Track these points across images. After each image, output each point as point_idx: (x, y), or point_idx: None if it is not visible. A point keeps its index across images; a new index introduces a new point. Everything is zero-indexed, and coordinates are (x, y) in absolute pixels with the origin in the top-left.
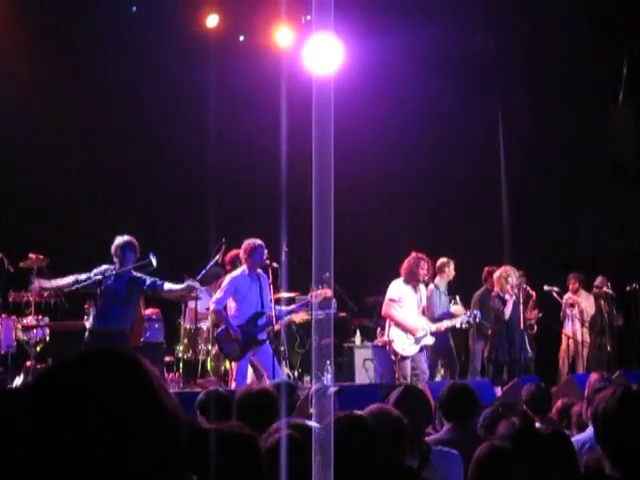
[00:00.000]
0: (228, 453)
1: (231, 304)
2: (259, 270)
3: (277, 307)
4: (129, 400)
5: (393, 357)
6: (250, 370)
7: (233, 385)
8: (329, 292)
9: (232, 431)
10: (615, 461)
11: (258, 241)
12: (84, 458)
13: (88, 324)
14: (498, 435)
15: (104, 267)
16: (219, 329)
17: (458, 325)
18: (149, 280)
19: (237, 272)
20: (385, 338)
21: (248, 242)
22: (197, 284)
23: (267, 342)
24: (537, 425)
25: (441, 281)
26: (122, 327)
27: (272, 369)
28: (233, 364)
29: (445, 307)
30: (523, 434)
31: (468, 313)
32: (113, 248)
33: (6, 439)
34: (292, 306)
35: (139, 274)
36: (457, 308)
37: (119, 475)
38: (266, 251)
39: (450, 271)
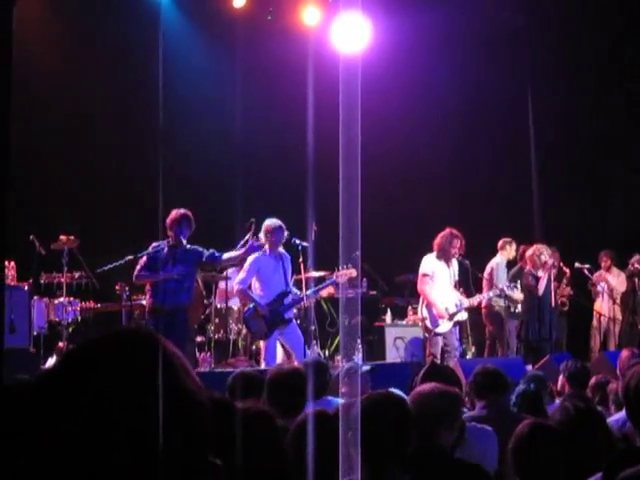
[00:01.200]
0: (244, 431)
1: (256, 284)
2: (281, 250)
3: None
4: (148, 381)
5: (426, 334)
6: (280, 350)
7: (263, 364)
8: (354, 272)
9: (249, 410)
10: None
11: (278, 222)
12: (103, 439)
13: (145, 302)
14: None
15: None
16: (246, 309)
17: (487, 298)
18: (207, 252)
19: (258, 253)
20: (419, 315)
21: (268, 223)
22: (257, 242)
23: (294, 321)
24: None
25: (502, 258)
26: (179, 304)
27: (302, 349)
28: (262, 343)
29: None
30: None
31: (506, 285)
32: (168, 221)
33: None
34: (317, 287)
35: (194, 246)
36: (518, 295)
37: (139, 457)
38: (286, 232)
39: (511, 251)
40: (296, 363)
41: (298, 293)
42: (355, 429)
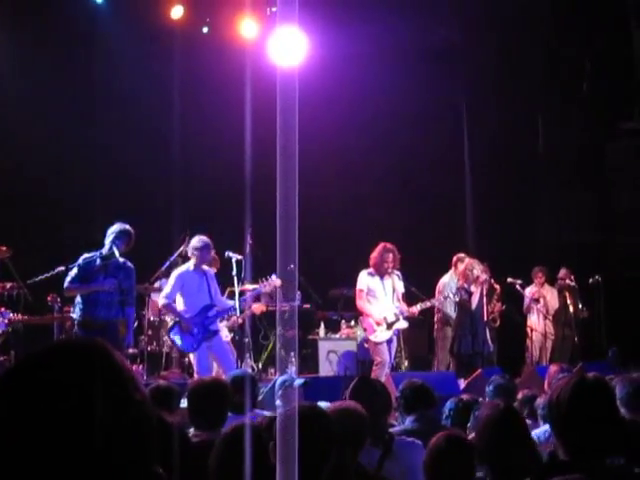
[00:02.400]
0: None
1: (180, 299)
2: (204, 267)
3: (231, 300)
4: (97, 392)
5: (366, 345)
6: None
7: (195, 377)
8: (279, 282)
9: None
10: (568, 450)
11: (206, 240)
12: (50, 450)
13: (75, 315)
14: (480, 417)
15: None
16: (170, 326)
17: (425, 307)
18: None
19: (182, 268)
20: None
21: (199, 239)
22: None
23: (220, 334)
24: None
25: (453, 276)
26: (111, 318)
27: (229, 361)
28: (192, 356)
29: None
30: (507, 415)
31: (446, 293)
32: (109, 232)
33: None
34: (243, 297)
35: (129, 264)
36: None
37: (85, 466)
38: (213, 251)
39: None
40: (223, 376)
41: (228, 305)
42: (292, 442)
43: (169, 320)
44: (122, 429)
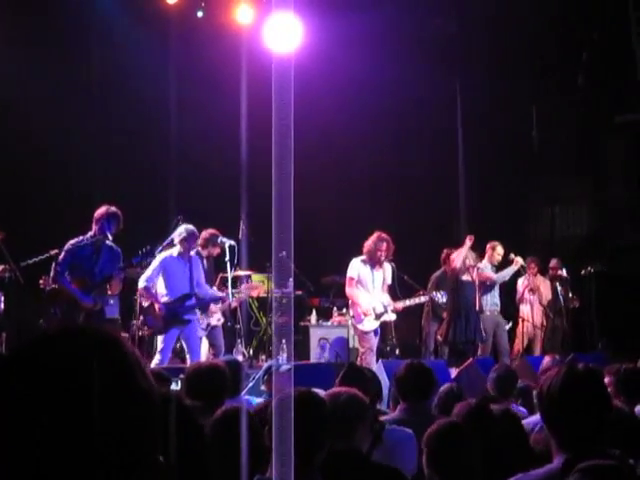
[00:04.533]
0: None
1: (161, 283)
2: (191, 253)
3: (211, 291)
4: (104, 378)
5: (353, 332)
6: (205, 346)
7: (157, 358)
8: (261, 289)
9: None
10: (559, 440)
11: (193, 228)
12: (55, 437)
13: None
14: (453, 415)
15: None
16: (146, 305)
17: (417, 302)
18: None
19: (166, 253)
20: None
21: (185, 227)
22: None
23: (195, 323)
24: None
25: (486, 263)
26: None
27: (197, 351)
28: (159, 338)
29: None
30: (477, 414)
31: (434, 293)
32: (96, 215)
33: None
34: (217, 293)
35: (118, 249)
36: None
37: (89, 456)
38: (199, 240)
39: (494, 254)
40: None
41: (213, 294)
42: (287, 426)
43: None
44: (128, 418)
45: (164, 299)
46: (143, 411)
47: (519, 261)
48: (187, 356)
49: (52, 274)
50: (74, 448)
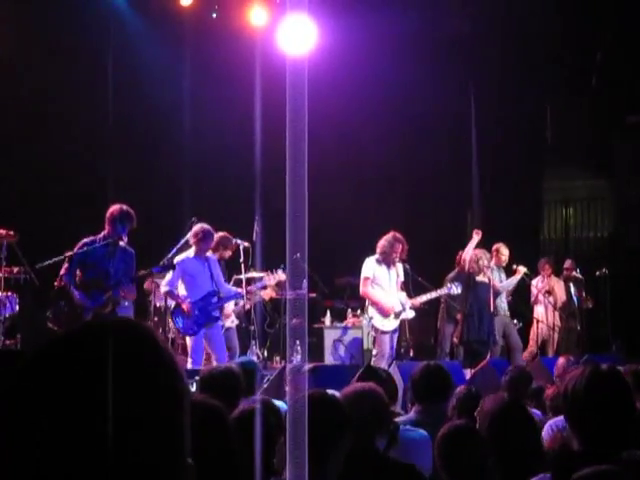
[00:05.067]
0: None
1: (181, 286)
2: (208, 253)
3: (230, 288)
4: (142, 378)
5: (373, 333)
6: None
7: (189, 362)
8: (283, 276)
9: (197, 402)
10: (583, 440)
11: (208, 227)
12: (89, 438)
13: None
14: (484, 410)
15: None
16: (172, 308)
17: (434, 296)
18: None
19: (183, 255)
20: (366, 315)
21: (201, 227)
22: None
23: (219, 322)
24: None
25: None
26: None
27: (222, 350)
28: (188, 340)
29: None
30: (512, 408)
31: (449, 285)
32: (108, 215)
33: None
34: (237, 290)
35: (132, 250)
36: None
37: (115, 458)
38: (214, 238)
39: (500, 255)
40: (214, 363)
41: (233, 291)
42: (301, 427)
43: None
44: (162, 420)
45: (188, 300)
46: (177, 412)
47: (522, 270)
48: (212, 357)
49: (62, 272)
50: (97, 450)
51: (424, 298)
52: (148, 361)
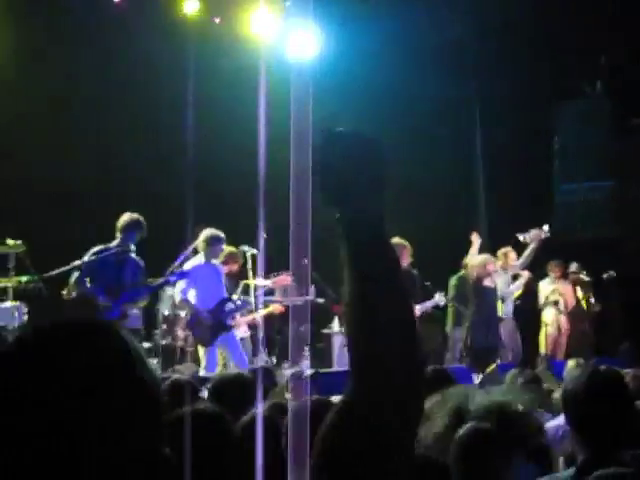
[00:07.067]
0: (198, 431)
1: (192, 292)
2: (214, 261)
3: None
4: (108, 371)
5: None
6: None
7: (202, 371)
8: (289, 279)
9: (200, 410)
10: (584, 440)
11: (217, 232)
12: (59, 431)
13: None
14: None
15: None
16: (189, 316)
17: (427, 307)
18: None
19: (194, 262)
20: None
21: (210, 233)
22: None
23: (234, 329)
24: None
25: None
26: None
27: (240, 356)
28: (202, 350)
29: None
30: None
31: (435, 296)
32: (120, 224)
33: None
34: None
35: (141, 260)
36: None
37: (93, 451)
38: (223, 245)
39: (507, 260)
40: (233, 370)
41: (240, 300)
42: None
43: (183, 314)
44: (130, 410)
45: (204, 310)
46: (144, 402)
47: (526, 275)
48: (231, 363)
49: (73, 281)
50: (71, 442)
51: (417, 312)
52: (108, 354)
